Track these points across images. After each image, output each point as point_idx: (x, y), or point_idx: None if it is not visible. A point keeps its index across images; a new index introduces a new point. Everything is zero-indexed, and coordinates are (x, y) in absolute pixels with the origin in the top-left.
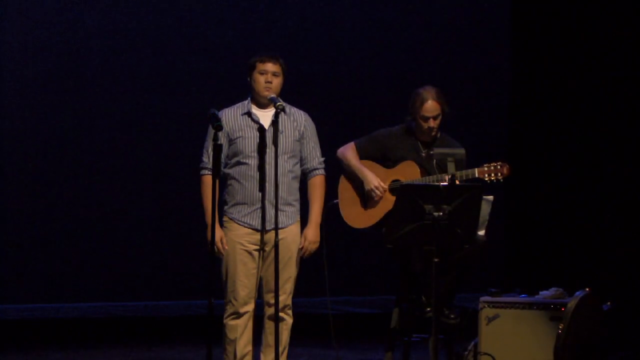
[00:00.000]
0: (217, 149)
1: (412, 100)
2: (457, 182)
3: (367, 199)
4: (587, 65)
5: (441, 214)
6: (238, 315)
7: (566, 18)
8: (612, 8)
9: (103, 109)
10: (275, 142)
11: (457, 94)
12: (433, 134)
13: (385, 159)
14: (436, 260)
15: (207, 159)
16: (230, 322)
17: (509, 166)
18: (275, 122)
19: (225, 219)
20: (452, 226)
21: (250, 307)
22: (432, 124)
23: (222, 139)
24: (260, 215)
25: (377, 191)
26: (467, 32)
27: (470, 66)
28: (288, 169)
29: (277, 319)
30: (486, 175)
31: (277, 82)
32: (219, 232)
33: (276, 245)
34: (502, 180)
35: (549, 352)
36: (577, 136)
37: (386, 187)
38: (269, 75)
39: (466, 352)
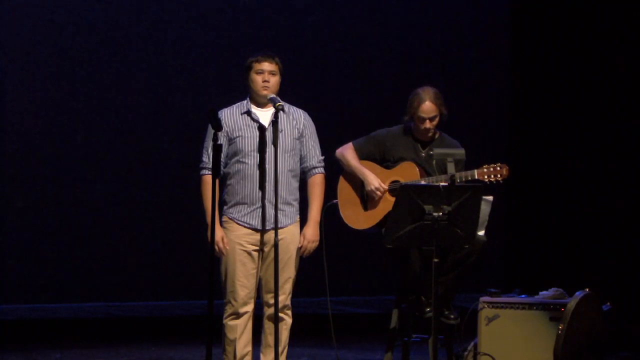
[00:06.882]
0: (217, 148)
1: (411, 100)
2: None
3: (367, 199)
4: (587, 66)
5: (441, 214)
6: (237, 315)
7: (566, 19)
8: (612, 9)
9: (102, 109)
10: (274, 141)
11: (457, 94)
12: (429, 135)
13: (383, 160)
14: (436, 260)
15: (207, 158)
16: (229, 323)
17: (508, 167)
18: (274, 121)
19: (225, 219)
20: (452, 226)
21: (249, 307)
22: (428, 125)
23: (222, 139)
24: (260, 215)
25: (377, 192)
26: (467, 32)
27: (470, 66)
28: (288, 167)
29: (276, 319)
30: (486, 176)
31: (274, 80)
32: (220, 231)
33: (275, 245)
34: (501, 181)
35: (549, 353)
36: (577, 137)
37: (387, 187)
38: (265, 75)
39: (466, 353)
